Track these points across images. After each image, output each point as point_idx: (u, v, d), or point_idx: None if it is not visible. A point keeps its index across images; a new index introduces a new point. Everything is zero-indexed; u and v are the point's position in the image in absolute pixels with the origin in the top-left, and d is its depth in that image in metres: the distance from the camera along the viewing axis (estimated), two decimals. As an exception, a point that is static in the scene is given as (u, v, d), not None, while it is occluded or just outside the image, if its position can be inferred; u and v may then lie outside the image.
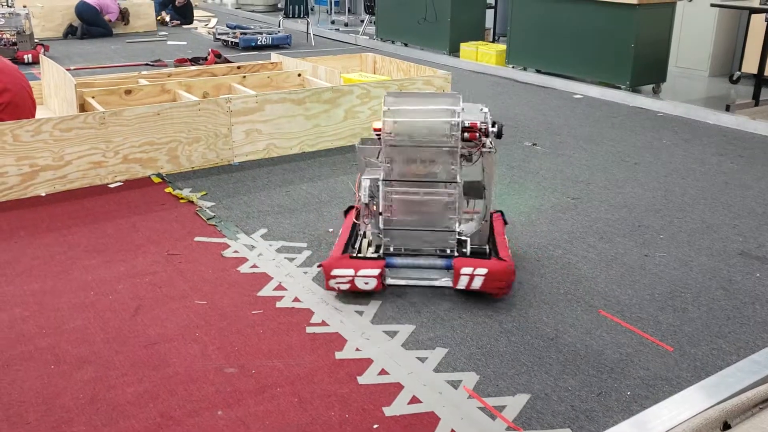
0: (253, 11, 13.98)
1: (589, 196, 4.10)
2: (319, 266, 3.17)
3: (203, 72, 5.46)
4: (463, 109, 2.87)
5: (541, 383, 2.37)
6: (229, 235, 3.58)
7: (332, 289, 2.91)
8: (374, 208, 3.00)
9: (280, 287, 3.04)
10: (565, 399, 2.29)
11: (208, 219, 3.77)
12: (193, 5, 12.59)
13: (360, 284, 2.87)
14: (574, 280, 3.09)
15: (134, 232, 3.59)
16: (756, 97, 6.09)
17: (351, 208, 3.43)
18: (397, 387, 2.35)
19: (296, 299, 2.94)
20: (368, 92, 5.14)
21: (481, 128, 2.89)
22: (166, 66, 8.12)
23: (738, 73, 7.06)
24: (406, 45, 9.68)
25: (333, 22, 12.22)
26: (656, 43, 6.68)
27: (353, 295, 2.94)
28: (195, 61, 8.14)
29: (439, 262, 2.94)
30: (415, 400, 2.28)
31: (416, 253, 2.99)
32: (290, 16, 11.08)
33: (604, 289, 3.02)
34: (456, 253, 2.95)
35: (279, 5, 14.27)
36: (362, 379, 2.39)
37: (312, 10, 12.59)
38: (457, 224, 2.93)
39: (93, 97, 4.60)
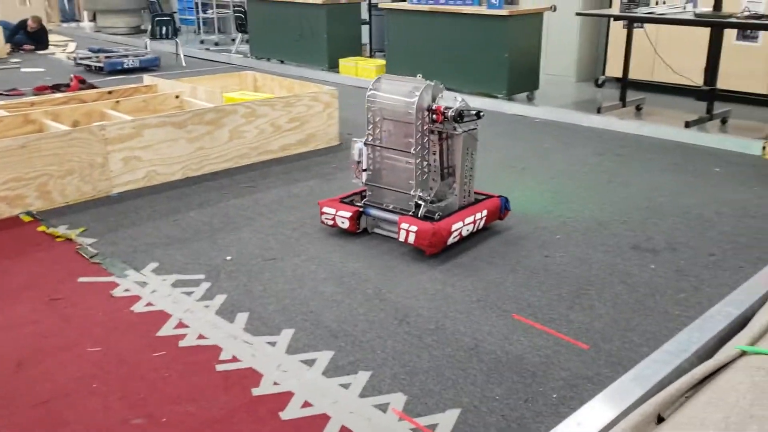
0: (114, 33, 13.29)
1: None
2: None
3: (70, 99, 5.05)
4: (434, 95, 3.44)
5: (469, 396, 2.32)
6: (116, 272, 3.29)
7: (323, 223, 3.69)
8: (362, 166, 3.66)
9: (181, 324, 2.82)
10: (495, 409, 2.26)
11: (90, 257, 3.45)
12: (48, 30, 11.77)
13: (339, 222, 3.63)
14: (484, 286, 3.10)
15: (8, 277, 3.21)
16: (623, 98, 6.51)
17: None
18: (324, 418, 2.22)
19: (201, 336, 2.73)
20: (253, 111, 4.97)
21: (444, 112, 3.37)
22: (23, 95, 7.49)
23: (603, 77, 7.52)
24: (282, 62, 9.54)
25: (202, 42, 11.85)
26: (528, 53, 6.98)
27: (264, 326, 2.78)
28: (57, 88, 7.56)
29: (395, 217, 3.49)
30: (344, 430, 2.16)
31: (385, 208, 3.62)
32: (157, 37, 10.61)
33: (513, 293, 3.05)
34: (410, 213, 3.47)
35: (142, 26, 13.67)
36: (285, 415, 2.24)
37: (179, 30, 12.14)
38: (416, 189, 3.45)
39: (-57, 132, 4.12)
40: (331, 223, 3.65)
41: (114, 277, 3.24)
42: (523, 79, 7.01)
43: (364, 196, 3.74)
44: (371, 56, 9.54)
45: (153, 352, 2.61)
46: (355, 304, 2.95)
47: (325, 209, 3.67)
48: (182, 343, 2.67)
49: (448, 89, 7.26)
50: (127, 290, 3.11)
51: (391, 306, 2.93)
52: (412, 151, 3.44)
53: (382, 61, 8.23)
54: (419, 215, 3.44)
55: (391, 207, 3.61)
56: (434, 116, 3.39)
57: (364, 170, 3.64)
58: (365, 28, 9.61)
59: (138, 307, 2.96)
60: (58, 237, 3.69)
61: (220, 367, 2.51)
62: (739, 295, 2.82)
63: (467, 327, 2.76)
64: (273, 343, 2.66)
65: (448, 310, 2.89)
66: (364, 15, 9.59)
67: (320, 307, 2.93)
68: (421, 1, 7.39)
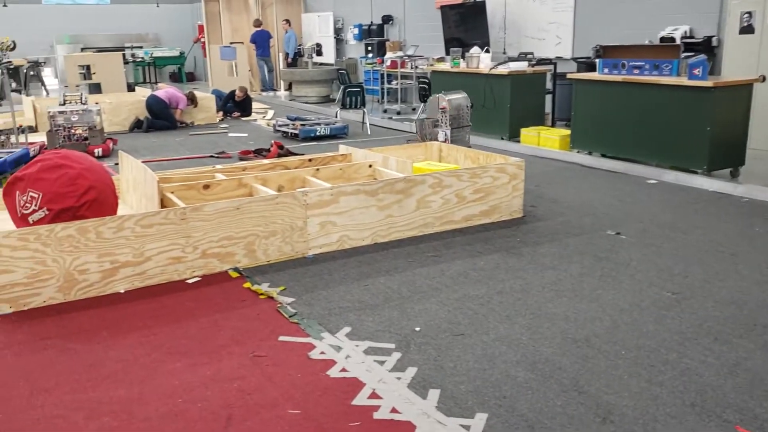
0: (306, 102, 14.37)
1: (691, 291, 3.85)
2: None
3: (276, 165, 5.48)
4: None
5: None
6: (313, 334, 3.43)
7: None
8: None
9: (374, 395, 2.85)
10: None
11: (290, 316, 3.64)
12: (252, 103, 13.02)
13: None
14: (698, 388, 2.81)
15: (217, 331, 3.47)
16: None
17: None
18: None
19: (394, 410, 2.73)
20: (440, 181, 5.06)
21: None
22: (230, 157, 8.27)
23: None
24: (463, 131, 9.71)
25: (385, 111, 12.43)
26: (734, 126, 6.50)
27: (457, 407, 2.72)
28: (258, 152, 8.27)
29: None
30: None
31: None
32: (347, 107, 11.29)
33: (734, 400, 2.73)
34: None
35: (331, 96, 14.66)
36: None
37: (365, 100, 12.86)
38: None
39: (172, 192, 4.62)
40: None
41: (311, 338, 3.38)
42: (726, 153, 6.51)
43: None
44: (553, 126, 9.42)
45: (349, 421, 2.65)
46: (551, 394, 2.80)
47: None
48: (376, 415, 2.69)
49: (638, 162, 6.97)
50: (322, 353, 3.22)
51: (591, 400, 2.75)
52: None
53: (566, 131, 8.08)
54: None
55: None
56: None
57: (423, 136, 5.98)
58: (548, 98, 9.54)
59: (333, 372, 3.04)
60: (261, 294, 3.93)
61: (413, 445, 2.49)
62: None
63: (679, 432, 2.51)
64: (467, 427, 2.59)
65: (657, 413, 2.65)
66: (548, 84, 9.54)
67: (514, 393, 2.82)
68: (612, 71, 7.21)
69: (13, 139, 8.46)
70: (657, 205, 5.71)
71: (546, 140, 8.21)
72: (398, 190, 4.89)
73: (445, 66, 10.04)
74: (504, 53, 11.08)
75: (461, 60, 9.62)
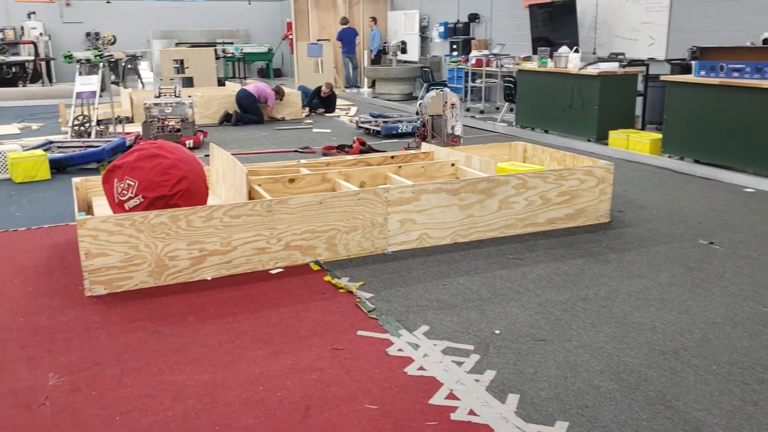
0: (389, 99, 14.44)
1: (791, 307, 3.63)
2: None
3: (359, 161, 5.53)
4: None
5: None
6: (391, 330, 3.44)
7: None
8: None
9: (452, 396, 2.82)
10: None
11: (368, 311, 3.66)
12: (336, 100, 13.20)
13: None
14: (798, 412, 2.65)
15: (298, 322, 3.54)
16: None
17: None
18: None
19: (471, 412, 2.70)
20: (525, 182, 4.96)
21: None
22: (313, 153, 8.41)
23: None
24: (546, 132, 9.52)
25: (468, 110, 12.32)
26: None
27: (536, 413, 2.67)
28: (341, 148, 8.37)
29: None
30: None
31: None
32: (429, 104, 11.24)
33: (839, 426, 2.56)
34: None
35: (414, 94, 14.66)
36: None
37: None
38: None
39: (259, 185, 4.74)
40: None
41: (388, 334, 3.39)
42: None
43: None
44: (643, 129, 9.09)
45: (426, 420, 2.64)
46: (636, 407, 2.70)
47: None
48: (454, 416, 2.67)
49: (734, 169, 6.61)
50: (400, 350, 3.23)
51: (678, 416, 2.63)
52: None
53: (657, 135, 7.77)
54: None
55: None
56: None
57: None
58: (639, 100, 9.20)
59: (411, 370, 3.04)
60: (341, 288, 3.98)
61: (490, 449, 2.45)
62: None
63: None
64: (547, 434, 2.53)
65: (755, 433, 2.51)
66: (639, 86, 9.20)
67: (597, 403, 2.74)
68: (710, 74, 6.88)
69: (111, 128, 8.91)
70: (755, 214, 5.41)
71: (636, 143, 7.92)
72: (481, 190, 4.84)
73: (532, 65, 9.86)
74: (594, 53, 10.77)
75: (549, 59, 9.42)
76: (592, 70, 8.60)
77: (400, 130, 9.55)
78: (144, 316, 3.62)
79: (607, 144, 8.41)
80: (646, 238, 4.88)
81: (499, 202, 4.93)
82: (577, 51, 9.37)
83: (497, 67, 12.00)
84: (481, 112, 11.98)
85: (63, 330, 3.44)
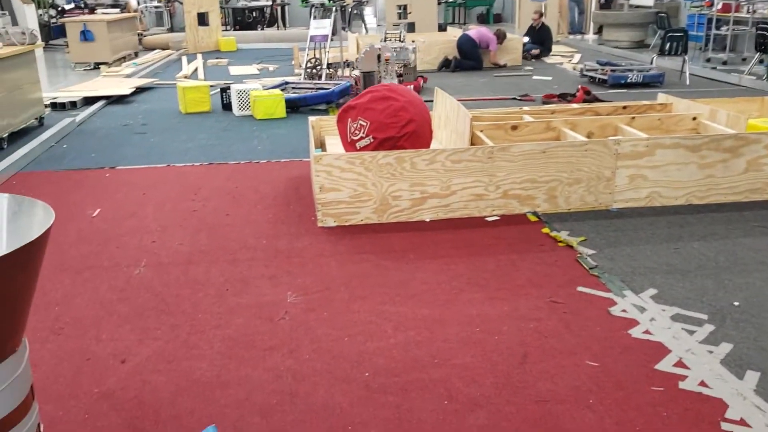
0: (616, 47, 13.48)
1: None
2: None
3: (587, 110, 5.26)
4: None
5: None
6: (614, 290, 3.28)
7: None
8: None
9: (680, 364, 2.64)
10: None
11: (590, 268, 3.52)
12: (552, 37, 12.60)
13: None
14: None
15: (514, 270, 3.51)
16: None
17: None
18: None
19: (702, 383, 2.51)
20: (780, 143, 4.38)
21: None
22: (533, 100, 8.18)
23: None
24: (806, 87, 8.28)
25: (709, 60, 11.09)
26: None
27: (782, 395, 2.40)
28: (563, 97, 8.03)
29: None
30: None
31: None
32: (666, 53, 10.32)
33: None
34: None
35: (645, 41, 13.52)
36: None
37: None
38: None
39: (482, 131, 4.72)
40: None
41: (612, 294, 3.24)
42: None
43: None
44: None
45: (650, 384, 2.50)
46: None
47: None
48: (682, 385, 2.50)
49: None
50: (624, 311, 3.07)
51: None
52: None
53: None
54: None
55: None
56: None
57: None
58: None
59: (635, 332, 2.88)
60: (560, 242, 3.87)
61: (725, 426, 2.26)
62: None
63: None
64: (794, 421, 2.27)
65: None
66: None
67: None
68: None
69: (339, 71, 9.40)
70: None
71: None
72: (726, 148, 4.36)
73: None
74: None
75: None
76: None
77: (629, 80, 8.90)
78: (369, 249, 3.83)
79: None
80: None
81: (746, 162, 4.41)
82: None
83: (748, 12, 10.60)
84: (724, 63, 10.73)
85: (299, 255, 3.76)
